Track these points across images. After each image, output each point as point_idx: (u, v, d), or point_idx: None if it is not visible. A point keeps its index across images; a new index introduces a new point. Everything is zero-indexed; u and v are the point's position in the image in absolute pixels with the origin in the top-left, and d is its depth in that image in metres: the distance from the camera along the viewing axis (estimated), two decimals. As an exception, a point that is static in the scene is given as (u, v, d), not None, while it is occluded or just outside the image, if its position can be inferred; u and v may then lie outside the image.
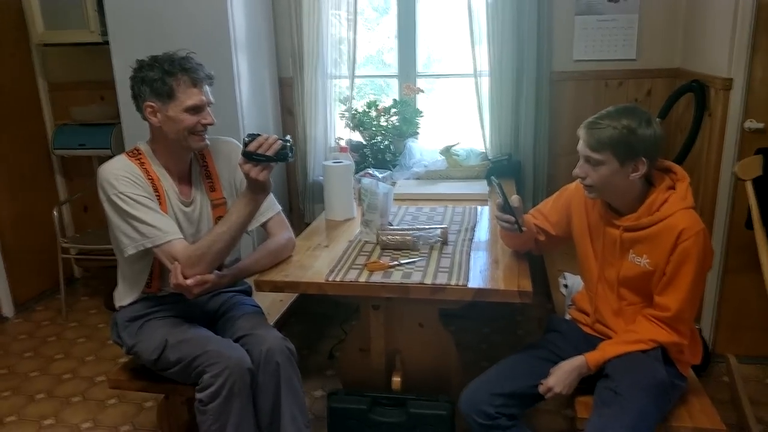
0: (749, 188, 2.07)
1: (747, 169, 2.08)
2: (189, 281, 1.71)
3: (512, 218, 1.72)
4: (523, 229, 1.73)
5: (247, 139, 1.70)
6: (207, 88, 1.81)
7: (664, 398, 1.60)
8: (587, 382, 1.70)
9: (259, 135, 1.70)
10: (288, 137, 1.73)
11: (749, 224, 2.10)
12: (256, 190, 1.73)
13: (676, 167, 1.69)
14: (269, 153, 1.68)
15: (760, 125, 2.35)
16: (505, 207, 1.73)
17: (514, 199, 1.76)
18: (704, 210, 2.52)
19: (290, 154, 1.72)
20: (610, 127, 1.57)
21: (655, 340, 1.63)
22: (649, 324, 1.65)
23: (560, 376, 1.66)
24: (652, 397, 1.55)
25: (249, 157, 1.69)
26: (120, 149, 3.12)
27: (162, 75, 1.74)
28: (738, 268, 2.50)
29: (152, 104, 1.76)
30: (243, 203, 1.75)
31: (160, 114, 1.77)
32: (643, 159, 1.57)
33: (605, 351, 1.67)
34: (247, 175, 1.70)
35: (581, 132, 1.64)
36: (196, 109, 1.77)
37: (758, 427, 2.13)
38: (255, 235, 2.24)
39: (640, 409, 1.52)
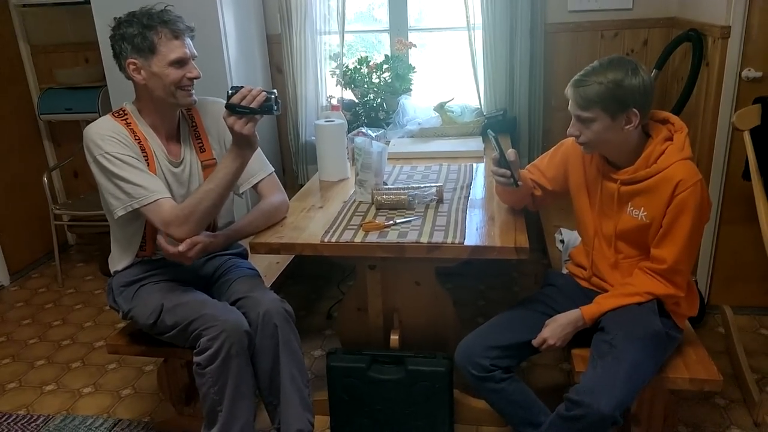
0: (747, 138, 2.05)
1: (745, 119, 2.05)
2: (180, 247, 1.69)
3: (508, 172, 1.70)
4: (519, 183, 1.71)
5: (230, 91, 1.65)
6: (189, 40, 1.76)
7: (659, 350, 1.61)
8: (583, 336, 1.71)
9: (242, 87, 1.65)
10: (274, 90, 1.68)
11: (747, 175, 2.08)
12: (242, 144, 1.69)
13: (674, 118, 1.66)
14: (253, 105, 1.64)
15: (759, 74, 2.31)
16: (501, 161, 1.71)
17: (511, 153, 1.73)
18: (701, 161, 2.50)
19: (275, 107, 1.67)
20: (596, 83, 1.54)
21: (650, 293, 1.63)
22: (645, 277, 1.65)
23: (555, 329, 1.67)
24: (647, 348, 1.56)
25: (233, 109, 1.64)
26: (107, 111, 3.06)
27: (141, 30, 1.69)
28: (734, 219, 2.50)
29: (135, 61, 1.72)
30: (230, 159, 1.70)
31: (144, 71, 1.72)
32: (634, 110, 1.55)
33: (601, 304, 1.67)
34: (231, 129, 1.65)
35: (569, 91, 1.61)
36: (180, 63, 1.72)
37: (753, 377, 2.16)
38: (248, 197, 2.21)
39: (634, 360, 1.53)
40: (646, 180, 1.61)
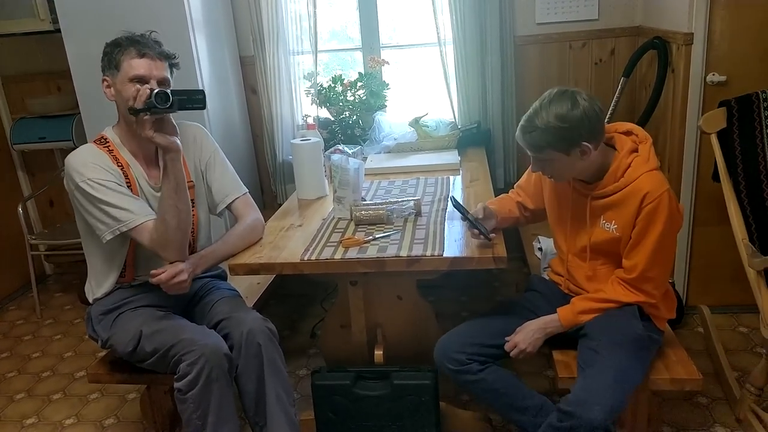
0: (714, 141, 2.10)
1: (711, 123, 2.10)
2: (163, 276, 1.70)
3: (476, 231, 1.72)
4: (490, 237, 1.72)
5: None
6: (161, 64, 1.76)
7: (644, 352, 1.64)
8: (565, 340, 1.73)
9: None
10: (164, 90, 1.67)
11: (716, 176, 2.12)
12: (163, 150, 1.72)
13: (638, 129, 1.70)
14: (137, 106, 1.65)
15: (723, 78, 2.37)
16: (469, 223, 1.74)
17: (478, 210, 1.77)
18: (672, 165, 2.55)
19: (166, 100, 1.64)
20: (539, 129, 1.57)
21: (620, 301, 1.66)
22: (616, 286, 1.68)
23: (526, 334, 1.70)
24: (632, 352, 1.58)
25: (135, 114, 1.67)
26: (82, 140, 3.05)
27: (113, 48, 1.75)
28: (707, 220, 2.54)
29: (106, 78, 1.78)
30: (163, 173, 1.74)
31: (113, 88, 1.77)
32: (584, 143, 1.57)
33: (575, 305, 1.70)
34: (141, 135, 1.69)
35: (518, 137, 1.64)
36: (141, 80, 1.72)
37: (733, 374, 2.19)
38: (226, 218, 2.21)
39: (620, 365, 1.55)
40: (615, 194, 1.64)
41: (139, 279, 1.89)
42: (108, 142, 1.82)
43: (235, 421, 1.73)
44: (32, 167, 3.63)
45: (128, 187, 1.77)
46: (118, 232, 1.72)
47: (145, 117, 1.66)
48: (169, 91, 1.66)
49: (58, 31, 2.75)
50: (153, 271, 1.72)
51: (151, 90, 1.66)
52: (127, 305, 1.86)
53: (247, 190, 2.00)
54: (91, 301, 1.90)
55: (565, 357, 1.75)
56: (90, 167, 1.72)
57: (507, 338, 1.73)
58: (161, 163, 1.82)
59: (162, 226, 1.72)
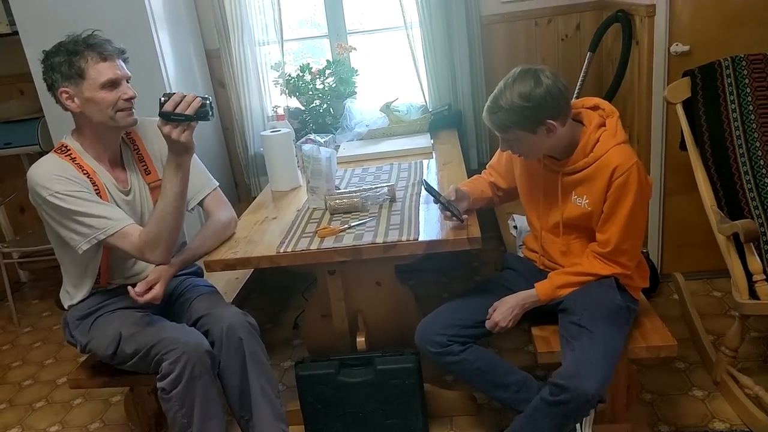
0: (680, 111, 2.13)
1: (676, 93, 2.12)
2: (145, 298, 1.70)
3: (449, 213, 1.73)
4: (463, 218, 1.74)
5: (163, 98, 1.61)
6: (120, 62, 1.73)
7: (623, 322, 1.67)
8: (543, 315, 1.76)
9: (174, 93, 1.62)
10: (207, 96, 1.65)
11: (683, 146, 2.16)
12: (180, 152, 1.66)
13: (604, 103, 1.72)
14: (188, 112, 1.61)
15: (686, 48, 2.40)
16: (441, 205, 1.75)
17: (450, 192, 1.78)
18: (641, 136, 2.58)
19: (210, 112, 1.64)
20: (504, 109, 1.57)
21: (597, 274, 1.69)
22: (592, 259, 1.71)
23: (504, 311, 1.72)
24: (614, 322, 1.62)
25: (167, 117, 1.60)
26: (48, 143, 2.99)
27: (68, 57, 1.67)
28: (676, 189, 2.58)
29: (66, 89, 1.69)
30: (171, 170, 1.67)
31: (78, 98, 1.70)
32: (549, 121, 1.57)
33: (552, 279, 1.73)
34: (168, 137, 1.62)
35: (485, 118, 1.65)
36: (113, 84, 1.69)
37: (709, 338, 2.24)
38: (198, 214, 2.19)
39: (606, 336, 1.58)
40: (585, 169, 1.66)
41: (115, 283, 1.87)
42: (69, 150, 1.76)
43: (220, 417, 1.73)
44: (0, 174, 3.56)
45: (97, 194, 1.73)
46: (95, 241, 1.68)
47: (194, 124, 1.62)
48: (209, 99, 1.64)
49: (16, 33, 2.69)
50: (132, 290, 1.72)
51: (202, 98, 1.62)
52: (103, 308, 1.84)
53: (218, 184, 1.98)
54: (66, 307, 1.88)
55: (544, 332, 1.77)
56: (55, 180, 1.67)
57: (487, 317, 1.75)
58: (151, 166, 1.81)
59: (157, 227, 1.68)
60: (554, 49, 3.05)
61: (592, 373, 1.51)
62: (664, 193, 2.61)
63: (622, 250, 1.66)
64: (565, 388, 1.52)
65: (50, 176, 1.67)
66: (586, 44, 2.91)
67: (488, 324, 1.74)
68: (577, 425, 1.68)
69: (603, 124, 1.67)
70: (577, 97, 2.50)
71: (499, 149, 1.88)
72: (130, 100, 1.73)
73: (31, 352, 2.97)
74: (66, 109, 1.73)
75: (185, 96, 1.61)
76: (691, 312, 2.36)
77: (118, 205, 1.78)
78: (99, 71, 1.67)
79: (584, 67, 2.83)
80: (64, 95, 1.70)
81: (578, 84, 2.83)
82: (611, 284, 1.68)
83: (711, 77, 2.11)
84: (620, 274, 1.69)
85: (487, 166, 2.01)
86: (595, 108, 1.71)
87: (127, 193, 1.82)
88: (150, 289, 1.72)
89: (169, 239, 1.70)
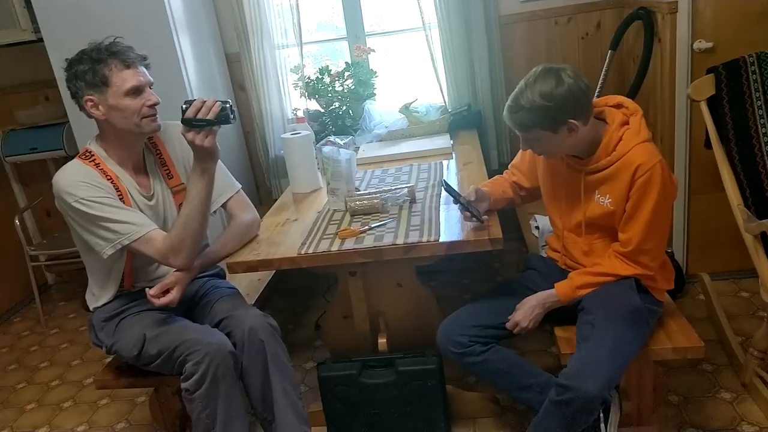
0: (704, 108, 2.09)
1: (700, 90, 2.09)
2: (162, 300, 1.72)
3: (468, 214, 1.72)
4: (483, 219, 1.73)
5: (184, 106, 1.64)
6: (143, 69, 1.75)
7: (641, 325, 1.64)
8: (567, 316, 1.74)
9: (194, 100, 1.64)
10: (227, 99, 1.67)
11: (708, 144, 2.12)
12: (205, 157, 1.68)
13: (628, 101, 1.69)
14: (209, 116, 1.63)
15: (710, 44, 2.36)
16: (461, 205, 1.74)
17: (470, 193, 1.77)
18: (664, 134, 2.54)
19: (231, 116, 1.67)
20: (525, 109, 1.56)
21: (617, 275, 1.67)
22: (614, 259, 1.68)
23: (525, 311, 1.71)
24: (628, 324, 1.59)
25: (189, 123, 1.63)
26: (73, 148, 3.04)
27: (92, 65, 1.69)
28: (702, 188, 2.54)
29: (91, 97, 1.71)
30: (196, 175, 1.70)
31: (102, 106, 1.72)
32: (571, 120, 1.56)
33: (572, 279, 1.71)
34: (192, 144, 1.64)
35: (505, 118, 1.64)
36: (137, 91, 1.71)
37: (737, 339, 2.20)
38: (220, 216, 2.21)
39: (615, 338, 1.56)
40: (608, 168, 1.64)
41: (138, 286, 1.89)
42: (93, 155, 1.79)
43: (244, 417, 1.75)
44: (26, 178, 3.63)
45: (120, 199, 1.75)
46: (120, 246, 1.71)
47: (216, 128, 1.65)
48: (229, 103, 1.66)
49: (41, 40, 2.74)
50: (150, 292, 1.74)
51: (222, 103, 1.64)
52: (128, 310, 1.86)
53: (240, 187, 1.99)
54: (92, 309, 1.91)
55: (567, 333, 1.75)
56: (80, 186, 1.69)
57: (508, 317, 1.73)
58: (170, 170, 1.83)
59: (182, 232, 1.70)
60: (574, 47, 3.02)
61: (595, 373, 1.50)
62: (689, 192, 2.57)
63: (644, 250, 1.64)
64: (568, 388, 1.51)
65: (75, 182, 1.70)
66: (606, 42, 2.88)
67: (509, 324, 1.73)
68: (602, 426, 1.66)
69: (626, 123, 1.65)
70: (598, 96, 2.48)
71: (520, 148, 1.87)
72: (153, 106, 1.75)
73: (58, 353, 3.02)
74: (90, 116, 1.75)
75: (205, 101, 1.63)
76: (718, 313, 2.32)
77: (141, 210, 1.80)
78: (123, 78, 1.69)
79: (605, 66, 2.80)
80: (89, 103, 1.72)
81: (599, 83, 2.80)
82: (630, 285, 1.66)
83: (736, 74, 2.07)
84: (642, 275, 1.67)
85: (509, 166, 1.99)
86: (618, 106, 1.69)
87: (150, 198, 1.84)
88: (167, 292, 1.74)
89: (193, 244, 1.72)
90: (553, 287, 1.73)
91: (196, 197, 1.70)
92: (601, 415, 1.68)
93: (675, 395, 2.06)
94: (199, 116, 1.62)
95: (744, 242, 1.93)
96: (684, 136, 2.50)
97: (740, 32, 2.34)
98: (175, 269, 1.76)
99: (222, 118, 1.65)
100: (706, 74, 2.10)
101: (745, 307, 2.49)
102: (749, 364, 1.98)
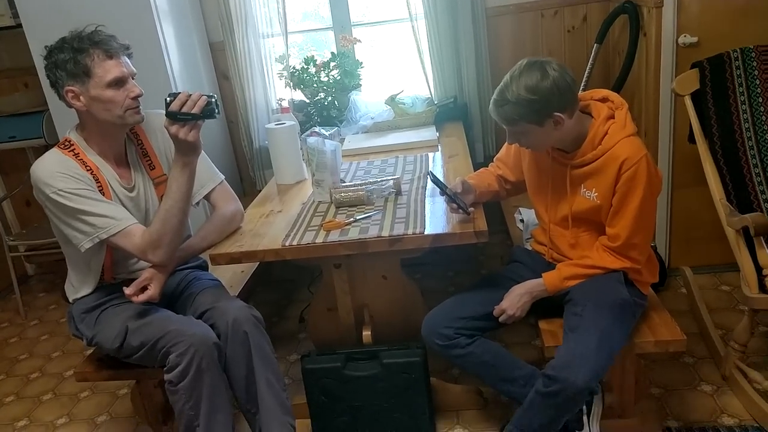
0: (688, 103, 2.11)
1: (684, 85, 2.10)
2: (139, 299, 1.69)
3: (454, 205, 1.72)
4: (469, 211, 1.73)
5: (168, 99, 1.61)
6: (125, 59, 1.71)
7: (628, 317, 1.65)
8: (551, 309, 1.75)
9: (179, 93, 1.61)
10: (212, 94, 1.65)
11: (692, 138, 2.14)
12: (187, 151, 1.65)
13: (613, 95, 1.70)
14: (195, 110, 1.60)
15: (694, 39, 2.37)
16: (447, 197, 1.74)
17: (456, 185, 1.76)
18: (648, 128, 2.56)
19: (217, 110, 1.64)
20: (510, 102, 1.56)
21: (606, 268, 1.67)
22: (602, 253, 1.69)
23: (513, 299, 1.72)
24: (615, 316, 1.60)
25: (174, 117, 1.61)
26: (53, 137, 2.99)
27: (73, 54, 1.64)
28: (685, 182, 2.56)
29: (72, 88, 1.66)
30: (177, 169, 1.67)
31: (83, 96, 1.67)
32: (556, 114, 1.56)
33: (561, 270, 1.72)
34: (175, 137, 1.62)
35: (491, 111, 1.63)
36: (119, 83, 1.67)
37: (717, 332, 2.23)
38: (203, 207, 2.18)
39: (603, 329, 1.56)
40: (594, 162, 1.64)
41: (119, 278, 1.86)
42: (73, 145, 1.75)
43: (228, 409, 1.73)
44: (5, 167, 3.57)
45: (100, 191, 1.72)
46: (98, 240, 1.68)
47: (200, 123, 1.63)
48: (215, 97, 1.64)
49: (20, 26, 2.68)
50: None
51: (208, 97, 1.61)
52: (109, 302, 1.83)
53: (224, 177, 1.97)
54: (71, 300, 1.88)
55: (551, 326, 1.76)
56: (58, 177, 1.65)
57: (494, 307, 1.74)
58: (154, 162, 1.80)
59: (161, 227, 1.67)
60: (560, 41, 3.03)
61: (584, 365, 1.50)
62: (672, 186, 2.59)
63: (633, 245, 1.65)
64: (555, 379, 1.52)
65: (53, 173, 1.66)
66: (592, 36, 2.89)
67: (495, 312, 1.73)
68: (585, 419, 1.67)
69: (612, 116, 1.65)
70: (584, 90, 2.48)
71: (506, 142, 1.87)
72: (137, 98, 1.72)
73: (38, 344, 2.98)
74: (70, 106, 1.71)
75: (191, 95, 1.61)
76: (700, 306, 2.34)
77: (122, 202, 1.77)
78: (105, 69, 1.65)
79: (591, 59, 2.81)
80: (70, 94, 1.67)
81: (585, 76, 2.80)
82: (618, 278, 1.67)
83: (720, 69, 2.09)
84: (630, 269, 1.68)
85: (494, 159, 1.99)
86: (604, 100, 1.70)
87: (131, 190, 1.81)
88: (144, 288, 1.71)
89: (172, 240, 1.69)
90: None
91: (177, 192, 1.67)
92: (584, 407, 1.70)
93: (657, 388, 2.08)
94: (185, 110, 1.60)
95: (726, 236, 1.95)
96: (668, 130, 2.51)
97: (725, 27, 2.35)
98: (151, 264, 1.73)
99: (207, 112, 1.63)
100: (691, 69, 2.11)
101: (726, 300, 2.52)
102: (730, 357, 2.00)
